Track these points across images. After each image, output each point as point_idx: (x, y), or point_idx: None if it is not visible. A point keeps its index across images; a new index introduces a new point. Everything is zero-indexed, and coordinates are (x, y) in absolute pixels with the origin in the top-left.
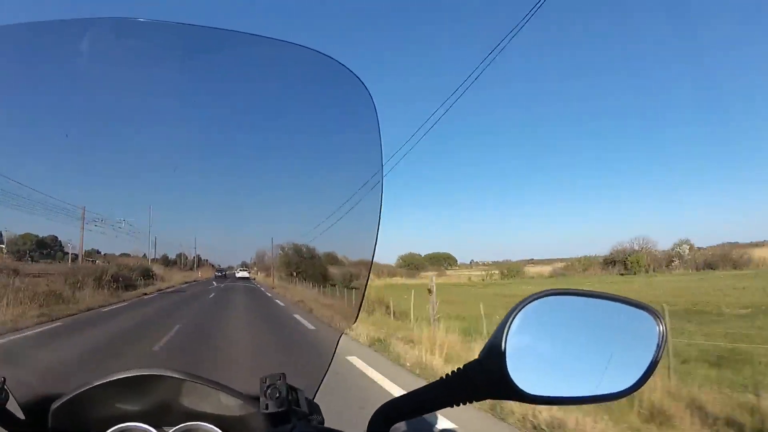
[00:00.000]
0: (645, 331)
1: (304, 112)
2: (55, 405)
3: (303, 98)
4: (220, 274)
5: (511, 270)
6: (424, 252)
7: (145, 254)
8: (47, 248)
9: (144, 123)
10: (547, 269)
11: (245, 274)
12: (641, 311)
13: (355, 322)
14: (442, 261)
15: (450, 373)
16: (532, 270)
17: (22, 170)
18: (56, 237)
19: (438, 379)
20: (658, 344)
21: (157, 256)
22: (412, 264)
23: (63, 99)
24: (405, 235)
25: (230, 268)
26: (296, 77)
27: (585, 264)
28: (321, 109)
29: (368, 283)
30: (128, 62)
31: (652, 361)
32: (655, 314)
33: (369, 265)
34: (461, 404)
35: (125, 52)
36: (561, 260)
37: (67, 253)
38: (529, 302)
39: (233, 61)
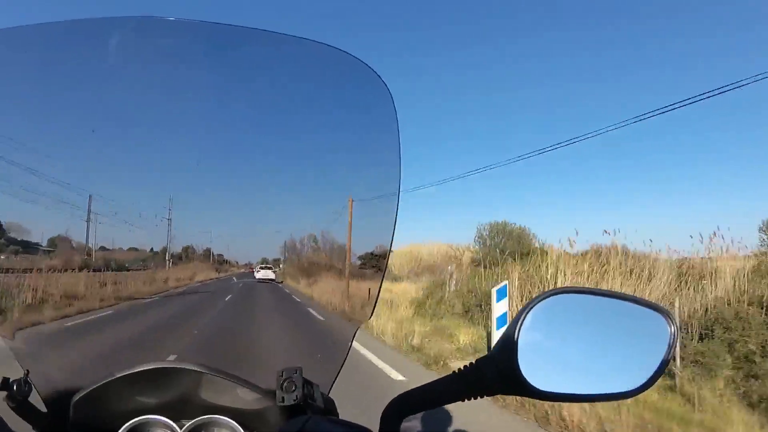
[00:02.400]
0: (656, 331)
1: (323, 108)
2: (76, 398)
3: (322, 94)
4: None
5: None
6: None
7: (152, 248)
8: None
9: (163, 120)
10: None
11: (268, 274)
12: (653, 311)
13: (370, 317)
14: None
15: (462, 368)
16: None
17: (43, 166)
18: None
19: (451, 372)
20: (669, 344)
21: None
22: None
23: (86, 96)
24: None
25: (248, 265)
26: (316, 74)
27: None
28: (340, 105)
29: (384, 275)
30: (151, 60)
31: (662, 361)
32: (667, 314)
33: (386, 257)
34: (472, 398)
35: (148, 51)
36: None
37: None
38: (542, 300)
39: (253, 58)
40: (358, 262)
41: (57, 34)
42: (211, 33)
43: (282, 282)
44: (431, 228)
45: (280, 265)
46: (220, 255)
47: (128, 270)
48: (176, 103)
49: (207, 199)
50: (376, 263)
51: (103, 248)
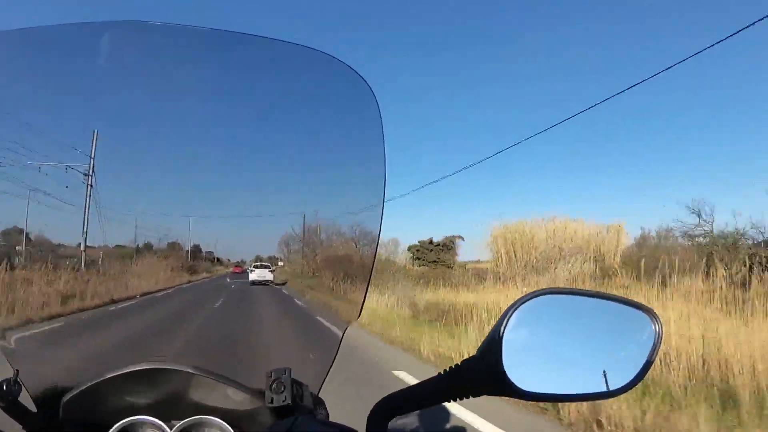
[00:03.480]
0: (641, 331)
1: (308, 110)
2: (66, 398)
3: (307, 97)
4: None
5: None
6: None
7: (137, 244)
8: None
9: (153, 121)
10: None
11: (264, 275)
12: (638, 311)
13: (358, 317)
14: None
15: (449, 368)
16: None
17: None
18: None
19: (437, 374)
20: (653, 343)
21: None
22: None
23: (80, 99)
24: None
25: (240, 264)
26: (301, 77)
27: None
28: (325, 107)
29: (371, 275)
30: (143, 63)
31: (647, 360)
32: (652, 314)
33: (372, 257)
34: (458, 400)
35: (140, 53)
36: None
37: None
38: (526, 300)
39: (242, 62)
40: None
41: (49, 38)
42: (199, 37)
43: (285, 283)
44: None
45: (279, 263)
46: (209, 252)
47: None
48: (164, 104)
49: (196, 194)
50: (438, 257)
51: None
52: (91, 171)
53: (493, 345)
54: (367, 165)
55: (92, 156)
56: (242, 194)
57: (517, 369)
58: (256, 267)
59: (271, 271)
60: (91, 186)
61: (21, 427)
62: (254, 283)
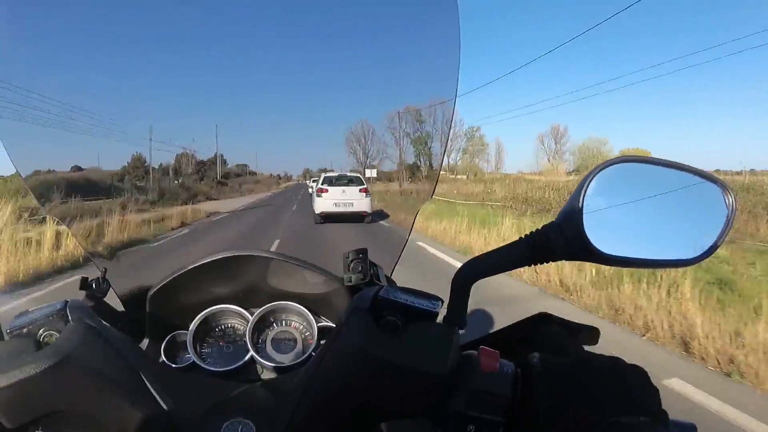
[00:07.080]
0: (715, 202)
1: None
2: (151, 292)
3: None
4: None
5: None
6: None
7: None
8: None
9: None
10: None
11: (353, 200)
12: (710, 183)
13: (431, 196)
14: None
15: (530, 233)
16: None
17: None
18: None
19: (518, 238)
20: (727, 215)
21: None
22: None
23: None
24: None
25: (282, 178)
26: None
27: None
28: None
29: (444, 157)
30: None
31: (721, 231)
32: (724, 186)
33: (446, 140)
34: (539, 264)
35: None
36: None
37: None
38: (604, 168)
39: None
40: None
41: None
42: None
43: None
44: None
45: (370, 172)
46: (243, 165)
47: None
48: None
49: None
50: None
51: None
52: None
53: (573, 210)
54: (439, 48)
55: None
56: (294, 88)
57: (597, 234)
58: (331, 183)
59: (363, 189)
60: None
61: (110, 326)
62: (328, 218)
